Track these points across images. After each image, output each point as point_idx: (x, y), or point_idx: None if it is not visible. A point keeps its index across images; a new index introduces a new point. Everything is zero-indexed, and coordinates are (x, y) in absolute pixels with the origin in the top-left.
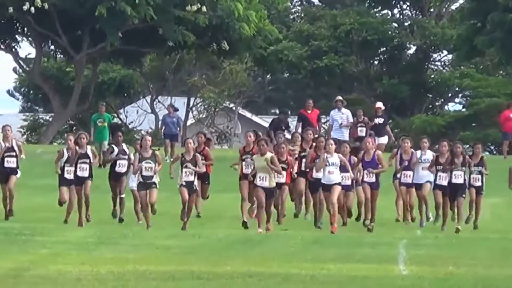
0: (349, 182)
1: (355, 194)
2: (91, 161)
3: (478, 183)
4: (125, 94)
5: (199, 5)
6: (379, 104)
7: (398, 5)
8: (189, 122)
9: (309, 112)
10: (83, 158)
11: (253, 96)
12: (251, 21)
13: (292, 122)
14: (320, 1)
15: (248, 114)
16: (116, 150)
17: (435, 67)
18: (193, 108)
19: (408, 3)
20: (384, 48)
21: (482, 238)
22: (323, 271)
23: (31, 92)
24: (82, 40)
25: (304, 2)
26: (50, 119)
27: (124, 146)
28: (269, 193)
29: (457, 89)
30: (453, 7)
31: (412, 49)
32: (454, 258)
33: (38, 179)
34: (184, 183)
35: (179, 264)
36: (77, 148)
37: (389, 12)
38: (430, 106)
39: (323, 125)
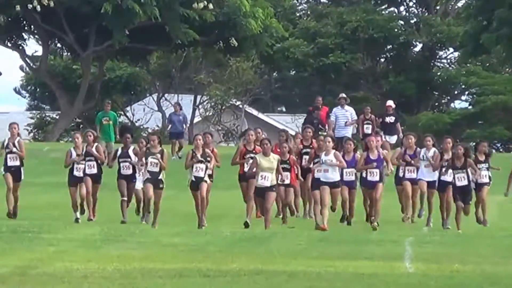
0: (352, 178)
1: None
2: (96, 159)
3: (485, 180)
4: (132, 92)
5: (205, 2)
6: (390, 102)
7: (404, 3)
8: (196, 120)
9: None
10: (90, 156)
11: (259, 93)
12: (257, 17)
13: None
14: None
15: (254, 112)
16: (119, 153)
17: (441, 65)
18: (200, 106)
19: (414, 1)
20: (390, 46)
21: (488, 235)
22: (329, 268)
23: (38, 90)
24: (88, 38)
25: (310, 0)
26: (57, 117)
27: (131, 149)
28: (269, 190)
29: (463, 86)
30: (459, 4)
31: (418, 47)
32: (460, 255)
33: (45, 177)
34: (194, 179)
35: (185, 261)
36: (84, 145)
37: (395, 10)
38: (436, 103)
39: None
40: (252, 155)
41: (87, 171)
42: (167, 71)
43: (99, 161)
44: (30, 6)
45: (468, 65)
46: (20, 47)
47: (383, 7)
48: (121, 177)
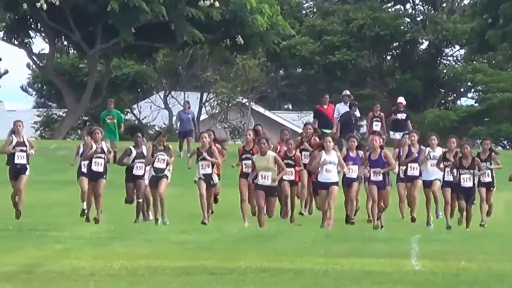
0: (355, 175)
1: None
2: (106, 156)
3: (488, 179)
4: (138, 90)
5: (211, 0)
6: (401, 99)
7: (411, 0)
8: (202, 117)
9: (325, 107)
10: (98, 153)
11: (266, 91)
12: (264, 13)
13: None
14: None
15: (261, 109)
16: (134, 152)
17: (448, 62)
18: (206, 104)
19: None
20: (397, 43)
21: (495, 233)
22: (336, 266)
23: (45, 87)
24: (95, 36)
25: None
26: (64, 115)
27: (144, 148)
28: (270, 191)
29: (469, 84)
30: (465, 1)
31: (425, 44)
32: (466, 253)
33: (52, 174)
34: (202, 177)
35: (192, 259)
36: (92, 142)
37: (402, 7)
38: (443, 101)
39: None
40: (249, 155)
41: (94, 168)
42: (174, 69)
43: (105, 160)
44: (37, 4)
45: (474, 62)
46: (27, 45)
47: (389, 4)
48: (131, 178)
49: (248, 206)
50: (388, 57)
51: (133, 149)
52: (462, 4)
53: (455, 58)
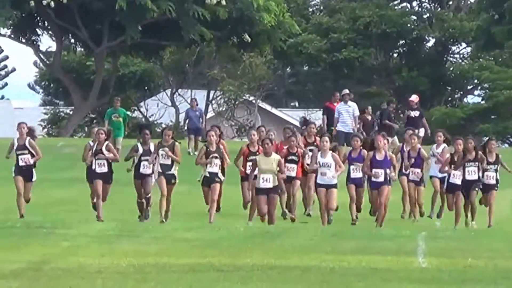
0: (360, 175)
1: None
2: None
3: (493, 181)
4: (146, 88)
5: None
6: (413, 97)
7: None
8: (209, 115)
9: (335, 104)
10: (99, 154)
11: (272, 89)
12: (271, 10)
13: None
14: None
15: (267, 107)
16: (140, 150)
17: (454, 60)
18: (213, 101)
19: None
20: (403, 41)
21: (501, 230)
22: (343, 263)
23: (52, 85)
24: (102, 34)
25: None
26: (71, 113)
27: (151, 145)
28: (272, 192)
29: (476, 81)
30: None
31: (431, 42)
32: (473, 250)
33: (59, 172)
34: (207, 175)
35: (199, 256)
36: (95, 144)
37: (408, 5)
38: (450, 98)
39: None
40: (255, 157)
41: (97, 170)
42: (181, 67)
43: (110, 160)
44: (44, 2)
45: (480, 60)
46: (34, 43)
47: (395, 2)
48: (139, 176)
49: (254, 208)
50: (395, 55)
51: (140, 146)
52: (469, 2)
53: (461, 56)
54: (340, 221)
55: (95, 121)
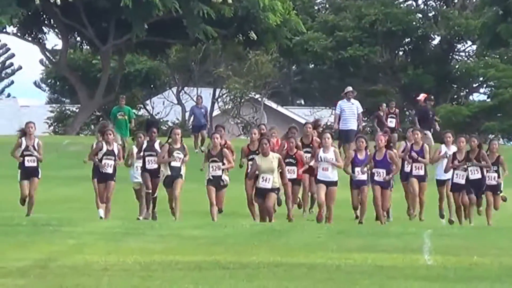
0: (364, 178)
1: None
2: (116, 159)
3: (494, 182)
4: (151, 86)
5: None
6: (420, 96)
7: None
8: (215, 113)
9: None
10: (108, 155)
11: (278, 87)
12: (276, 10)
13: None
14: None
15: (273, 105)
16: (144, 145)
17: (460, 58)
18: (219, 99)
19: None
20: (409, 39)
21: (507, 227)
22: (349, 261)
23: (58, 83)
24: (108, 32)
25: None
26: (77, 111)
27: (157, 143)
28: (272, 192)
29: (481, 79)
30: None
31: (437, 40)
32: (479, 248)
33: (65, 170)
34: (211, 178)
35: (205, 254)
36: (103, 143)
37: (414, 3)
38: (455, 96)
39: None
40: (255, 156)
41: (104, 170)
42: (187, 65)
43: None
44: (50, 0)
45: (486, 57)
46: (40, 41)
47: (401, 0)
48: (146, 170)
49: (256, 205)
50: (400, 53)
51: (146, 143)
52: (474, 0)
53: (467, 54)
54: (346, 219)
55: (101, 119)
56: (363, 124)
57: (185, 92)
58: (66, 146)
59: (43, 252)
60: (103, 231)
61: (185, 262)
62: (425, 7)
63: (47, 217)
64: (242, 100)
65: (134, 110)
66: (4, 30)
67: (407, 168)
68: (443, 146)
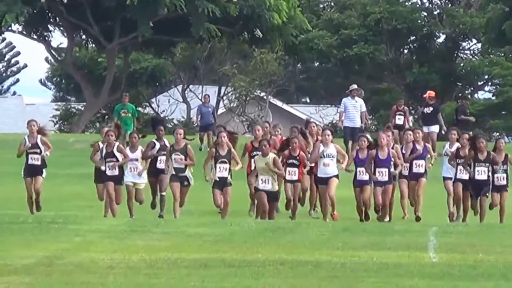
0: (366, 178)
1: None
2: (119, 160)
3: (503, 182)
4: (157, 84)
5: None
6: (427, 94)
7: None
8: (220, 111)
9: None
10: (110, 157)
11: (284, 85)
12: (281, 10)
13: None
14: None
15: (279, 103)
16: (157, 145)
17: (465, 56)
18: (224, 97)
19: None
20: (414, 37)
21: None
22: (354, 258)
23: (63, 81)
24: (113, 30)
25: None
26: (82, 109)
27: (166, 141)
28: (272, 196)
29: (486, 77)
30: None
31: (442, 38)
32: (484, 245)
33: (70, 168)
34: (218, 179)
35: (210, 252)
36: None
37: (419, 1)
38: (460, 94)
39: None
40: (258, 153)
41: (109, 172)
42: (192, 63)
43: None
44: None
45: (491, 56)
46: (46, 39)
47: None
48: (154, 173)
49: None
50: (406, 51)
51: (156, 142)
52: None
53: (472, 52)
54: (351, 217)
55: (106, 117)
56: (369, 122)
57: (190, 90)
58: (71, 144)
59: (49, 249)
60: (109, 229)
61: (191, 260)
62: (430, 5)
63: (53, 215)
64: (247, 98)
65: (139, 108)
66: (10, 28)
67: (405, 171)
68: (446, 144)
